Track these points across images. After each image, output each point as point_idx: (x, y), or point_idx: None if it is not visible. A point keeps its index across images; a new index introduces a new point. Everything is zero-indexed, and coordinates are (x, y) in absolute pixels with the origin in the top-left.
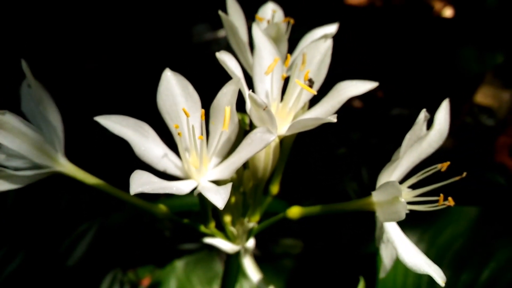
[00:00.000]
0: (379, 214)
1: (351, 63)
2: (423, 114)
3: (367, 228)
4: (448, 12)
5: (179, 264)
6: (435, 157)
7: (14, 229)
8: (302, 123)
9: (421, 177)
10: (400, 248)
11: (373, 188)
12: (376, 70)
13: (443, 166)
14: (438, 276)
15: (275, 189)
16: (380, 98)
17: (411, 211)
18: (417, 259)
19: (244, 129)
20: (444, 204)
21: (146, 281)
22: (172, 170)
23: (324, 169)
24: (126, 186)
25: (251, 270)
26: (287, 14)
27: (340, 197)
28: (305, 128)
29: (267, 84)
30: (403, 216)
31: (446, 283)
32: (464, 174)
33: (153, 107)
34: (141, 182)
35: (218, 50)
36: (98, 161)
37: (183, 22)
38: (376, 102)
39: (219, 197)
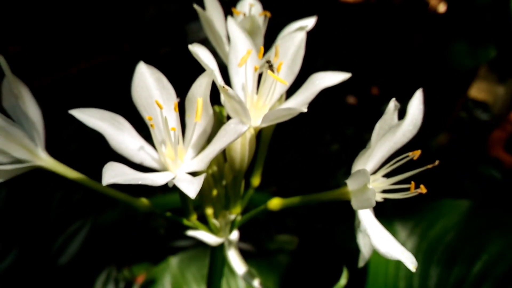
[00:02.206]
0: (353, 203)
1: (342, 59)
2: (393, 103)
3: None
4: (443, 8)
5: (174, 261)
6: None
7: (7, 228)
8: (275, 114)
9: (394, 166)
10: (373, 235)
11: None
12: (369, 66)
13: (415, 154)
14: (410, 262)
15: (256, 181)
16: (375, 95)
17: (404, 204)
18: (389, 246)
19: (222, 122)
20: (416, 192)
21: (140, 278)
22: (149, 162)
23: (318, 165)
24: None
25: (236, 262)
26: (282, 13)
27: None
28: (278, 119)
29: (242, 76)
30: (373, 203)
31: (439, 277)
32: (437, 162)
33: (130, 101)
34: (114, 174)
35: (212, 49)
36: (76, 156)
37: (178, 20)
38: (371, 99)
39: (191, 187)
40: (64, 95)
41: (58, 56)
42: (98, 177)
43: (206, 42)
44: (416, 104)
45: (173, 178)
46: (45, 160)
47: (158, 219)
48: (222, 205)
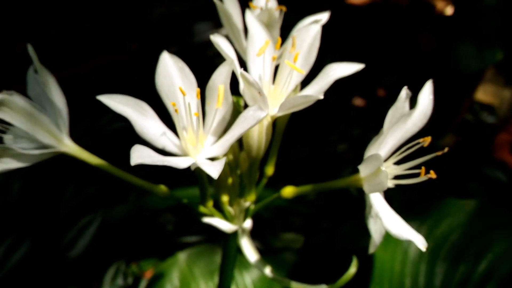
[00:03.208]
0: (366, 187)
1: (349, 60)
2: (404, 91)
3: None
4: (450, 11)
5: (182, 256)
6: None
7: (20, 220)
8: (292, 102)
9: (405, 154)
10: (385, 218)
11: None
12: (375, 67)
13: (426, 140)
14: (421, 243)
15: (270, 170)
16: (381, 97)
17: (410, 203)
18: (401, 228)
19: (239, 111)
20: (426, 177)
21: (148, 274)
22: (170, 147)
23: (324, 164)
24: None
25: (249, 250)
26: (288, 13)
27: (340, 192)
28: (295, 107)
29: (259, 66)
30: (385, 186)
31: (444, 274)
32: (446, 149)
33: (152, 94)
34: (141, 155)
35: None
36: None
37: (185, 20)
38: (377, 101)
39: (213, 168)
40: (73, 93)
41: (67, 54)
42: (109, 173)
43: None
44: (427, 94)
45: (194, 162)
46: (70, 147)
47: (166, 215)
48: (237, 194)
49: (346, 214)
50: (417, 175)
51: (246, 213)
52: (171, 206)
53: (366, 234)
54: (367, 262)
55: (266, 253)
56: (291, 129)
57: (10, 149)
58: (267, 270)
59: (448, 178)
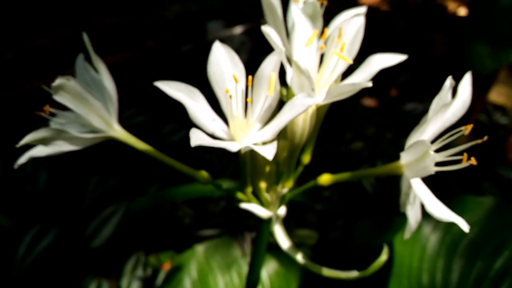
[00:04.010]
0: (408, 173)
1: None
2: (449, 81)
3: (384, 217)
4: (462, 12)
5: (200, 249)
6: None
7: (46, 209)
8: (338, 90)
9: (446, 141)
10: (427, 202)
11: (388, 181)
12: (389, 67)
13: (467, 128)
14: (463, 224)
15: (306, 158)
16: (394, 97)
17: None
18: (443, 211)
19: (283, 101)
20: (468, 163)
21: (166, 266)
22: (219, 133)
23: (339, 162)
24: None
25: (281, 237)
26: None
27: (355, 189)
28: (341, 95)
29: (305, 56)
30: (431, 170)
31: (461, 271)
32: (486, 137)
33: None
34: (199, 137)
35: (232, 47)
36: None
37: (199, 18)
38: (390, 101)
39: (268, 150)
40: None
41: (85, 51)
42: (132, 163)
43: (225, 40)
44: (466, 85)
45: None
46: (119, 132)
47: (184, 208)
48: (273, 181)
49: (361, 211)
50: (454, 163)
51: (281, 201)
52: (189, 199)
53: (382, 231)
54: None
55: (281, 250)
56: None
57: (65, 132)
58: (299, 257)
59: (462, 177)
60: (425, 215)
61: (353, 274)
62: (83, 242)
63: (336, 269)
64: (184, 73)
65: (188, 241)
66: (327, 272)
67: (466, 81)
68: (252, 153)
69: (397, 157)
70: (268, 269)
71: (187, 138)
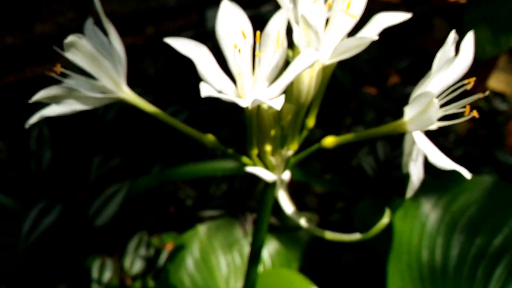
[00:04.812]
0: (411, 127)
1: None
2: (452, 35)
3: (383, 198)
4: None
5: (202, 229)
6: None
7: (50, 188)
8: (345, 45)
9: (449, 97)
10: (430, 153)
11: (390, 163)
12: (389, 53)
13: (470, 81)
14: (465, 172)
15: (311, 122)
16: (396, 83)
17: (428, 179)
18: (445, 161)
19: (288, 62)
20: (470, 115)
21: (169, 246)
22: (227, 90)
23: (339, 146)
24: None
25: (285, 202)
26: None
27: (356, 173)
28: (347, 51)
29: (312, 14)
30: (434, 120)
31: (461, 247)
32: (487, 92)
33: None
34: (209, 89)
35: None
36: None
37: (198, 6)
38: (390, 88)
39: (275, 101)
40: None
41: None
42: (135, 146)
43: None
44: (468, 43)
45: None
46: (128, 93)
47: (186, 189)
48: (278, 145)
49: (361, 194)
50: (454, 118)
51: (286, 165)
52: (191, 183)
53: (382, 211)
54: (385, 236)
55: (282, 230)
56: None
57: (76, 91)
58: (303, 221)
59: (461, 162)
60: (425, 193)
61: (356, 236)
62: (87, 221)
63: (337, 249)
64: (185, 61)
65: (190, 223)
66: (329, 235)
67: (469, 39)
68: (258, 114)
69: (397, 140)
70: (269, 249)
71: (190, 119)
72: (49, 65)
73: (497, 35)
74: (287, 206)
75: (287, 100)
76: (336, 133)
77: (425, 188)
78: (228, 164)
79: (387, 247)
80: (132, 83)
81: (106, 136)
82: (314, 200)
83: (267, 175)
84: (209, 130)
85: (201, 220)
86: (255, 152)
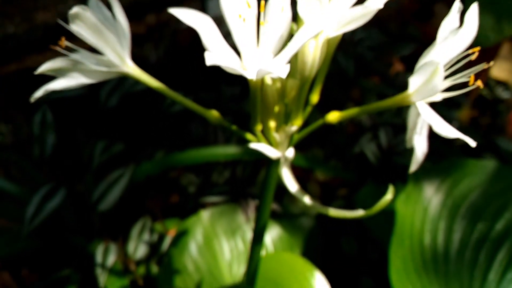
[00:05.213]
0: (416, 97)
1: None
2: (457, 4)
3: (385, 184)
4: None
5: (205, 214)
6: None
7: (55, 172)
8: (349, 15)
9: (453, 69)
10: (435, 123)
11: (391, 150)
12: (391, 40)
13: (474, 51)
14: (469, 140)
15: (315, 98)
16: (400, 71)
17: (430, 164)
18: (449, 130)
19: (292, 35)
20: (474, 85)
21: (172, 232)
22: (232, 62)
23: (340, 132)
24: None
25: (289, 180)
26: None
27: (358, 161)
28: (352, 22)
29: None
30: (439, 88)
31: (463, 232)
32: (492, 63)
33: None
34: (214, 57)
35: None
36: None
37: None
38: (394, 76)
39: (281, 68)
40: None
41: None
42: (138, 132)
43: (223, 19)
44: (473, 14)
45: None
46: (132, 68)
47: (189, 175)
48: (282, 121)
49: (364, 181)
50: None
51: (290, 142)
52: (194, 168)
53: (384, 196)
54: (388, 222)
55: (284, 217)
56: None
57: (81, 64)
58: (307, 199)
59: (462, 149)
60: (427, 177)
61: (359, 213)
62: (90, 205)
63: (339, 236)
64: (186, 48)
65: (193, 210)
66: (333, 212)
67: (473, 10)
68: (262, 89)
69: (400, 127)
70: (272, 235)
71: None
72: (50, 54)
73: (500, 21)
74: (291, 184)
75: (291, 75)
76: (339, 124)
77: (428, 172)
78: (230, 150)
79: (389, 234)
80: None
81: (109, 122)
82: (316, 188)
83: (271, 152)
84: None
85: (204, 206)
86: (259, 127)
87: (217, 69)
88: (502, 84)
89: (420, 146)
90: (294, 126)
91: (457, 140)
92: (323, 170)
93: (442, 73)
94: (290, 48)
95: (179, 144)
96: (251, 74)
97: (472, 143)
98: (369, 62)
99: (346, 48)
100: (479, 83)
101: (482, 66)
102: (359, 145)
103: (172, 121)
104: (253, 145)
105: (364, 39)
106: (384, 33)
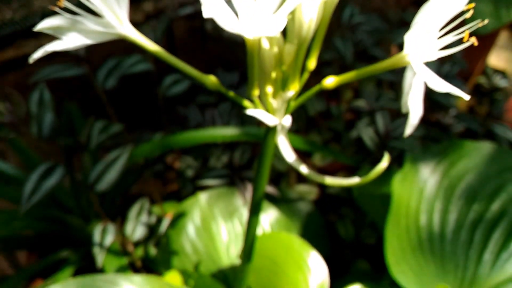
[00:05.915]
0: (411, 56)
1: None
2: None
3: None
4: None
5: (203, 197)
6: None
7: (52, 152)
8: None
9: (449, 28)
10: (430, 80)
11: (389, 136)
12: (388, 27)
13: (469, 7)
14: (462, 94)
15: (312, 64)
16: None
17: (427, 144)
18: (443, 85)
19: None
20: (469, 42)
21: (170, 215)
22: (229, 21)
23: (342, 116)
24: None
25: (286, 148)
26: None
27: (356, 146)
28: None
29: None
30: (436, 47)
31: (459, 212)
32: (487, 20)
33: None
34: (211, 10)
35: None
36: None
37: None
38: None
39: (277, 22)
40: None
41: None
42: (136, 117)
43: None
44: None
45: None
46: (130, 30)
47: (187, 158)
48: (279, 88)
49: (360, 165)
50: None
51: (287, 109)
52: (192, 151)
53: (380, 180)
54: (384, 206)
55: (282, 201)
56: (307, 87)
57: (79, 23)
58: (303, 168)
59: (461, 136)
60: (424, 158)
61: (355, 180)
62: (88, 186)
63: (337, 220)
64: (184, 39)
65: (191, 193)
66: (329, 180)
67: None
68: (259, 54)
69: (397, 112)
70: (270, 217)
71: (187, 92)
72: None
73: (498, 7)
74: (288, 153)
75: (288, 40)
76: (337, 106)
77: (424, 153)
78: (228, 131)
79: (385, 216)
80: (131, 50)
81: (107, 103)
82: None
83: (268, 118)
84: (208, 104)
85: (202, 190)
86: (256, 92)
87: (215, 58)
88: (500, 72)
89: (415, 108)
90: (291, 91)
91: (455, 127)
92: (322, 153)
93: (436, 31)
94: (287, 5)
95: (176, 130)
96: (248, 32)
97: (466, 97)
98: (367, 48)
99: (344, 33)
100: (474, 39)
101: (477, 22)
102: (356, 129)
103: (170, 105)
104: (250, 111)
105: (362, 23)
106: (383, 20)
